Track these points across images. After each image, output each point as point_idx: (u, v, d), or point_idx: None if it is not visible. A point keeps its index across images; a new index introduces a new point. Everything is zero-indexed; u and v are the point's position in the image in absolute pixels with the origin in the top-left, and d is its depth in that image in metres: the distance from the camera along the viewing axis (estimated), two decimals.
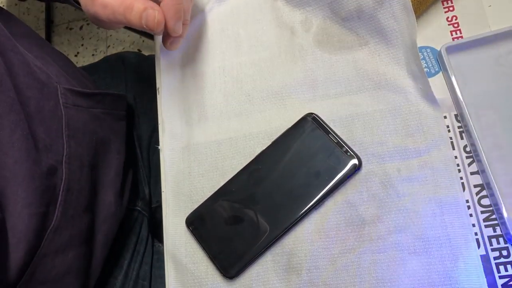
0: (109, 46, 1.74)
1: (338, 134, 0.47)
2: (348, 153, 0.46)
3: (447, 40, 0.49)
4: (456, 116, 0.47)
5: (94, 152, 0.56)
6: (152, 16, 0.43)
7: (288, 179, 0.46)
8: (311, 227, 0.46)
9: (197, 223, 0.48)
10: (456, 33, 0.49)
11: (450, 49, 0.48)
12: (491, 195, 0.43)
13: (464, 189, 0.45)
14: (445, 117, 0.47)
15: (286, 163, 0.47)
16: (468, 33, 0.49)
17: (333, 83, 0.50)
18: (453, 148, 0.46)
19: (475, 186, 0.45)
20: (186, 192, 0.50)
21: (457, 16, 0.50)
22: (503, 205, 0.42)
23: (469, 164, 0.45)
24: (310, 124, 0.47)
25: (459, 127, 0.47)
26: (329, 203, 0.46)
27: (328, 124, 0.47)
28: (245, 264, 0.45)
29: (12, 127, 0.44)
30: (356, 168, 0.45)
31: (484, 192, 0.44)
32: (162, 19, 0.44)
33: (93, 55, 1.75)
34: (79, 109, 0.56)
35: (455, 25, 0.50)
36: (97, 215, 0.56)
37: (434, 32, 0.50)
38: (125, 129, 0.67)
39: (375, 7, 0.48)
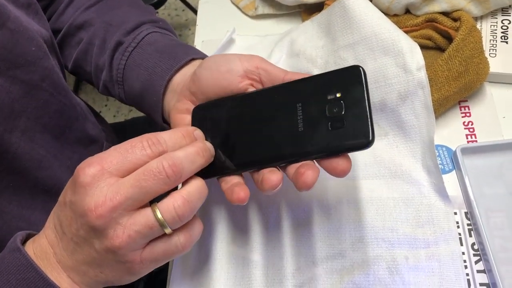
0: (131, 110, 1.82)
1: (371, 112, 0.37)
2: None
3: (462, 141, 0.52)
4: (466, 213, 0.49)
5: None
6: None
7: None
8: None
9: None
10: (471, 137, 0.53)
11: (465, 151, 0.50)
12: None
13: (469, 286, 0.45)
14: (455, 213, 0.49)
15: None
16: (482, 138, 0.52)
17: None
18: (461, 244, 0.47)
19: (481, 284, 0.45)
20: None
21: (473, 121, 0.53)
22: None
23: (476, 262, 0.46)
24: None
25: (468, 225, 0.48)
26: (335, 281, 0.46)
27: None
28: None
29: None
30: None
31: None
32: None
33: (114, 116, 1.82)
34: None
35: (471, 129, 0.53)
36: None
37: (450, 133, 0.53)
38: None
39: (397, 103, 0.52)
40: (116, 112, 1.84)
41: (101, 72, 0.53)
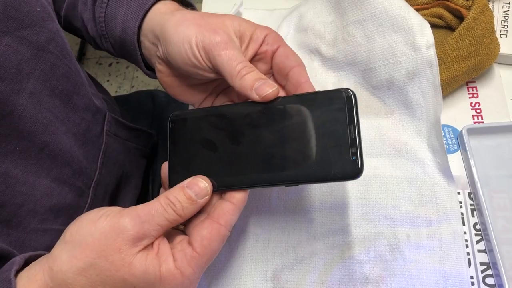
0: (133, 86, 1.80)
1: (361, 147, 0.36)
2: (354, 157, 0.35)
3: (469, 122, 0.52)
4: (469, 194, 0.49)
5: (118, 183, 0.58)
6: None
7: (280, 139, 0.38)
8: (314, 276, 0.46)
9: (179, 123, 0.42)
10: (478, 118, 0.52)
11: (471, 131, 0.50)
12: (497, 275, 0.44)
13: (470, 265, 0.45)
14: (458, 193, 0.49)
15: (289, 123, 0.38)
16: (489, 119, 0.52)
17: None
18: (463, 224, 0.47)
19: (481, 264, 0.45)
20: None
21: (480, 103, 0.53)
22: (507, 286, 0.43)
23: (477, 242, 0.46)
24: (340, 100, 0.37)
25: (471, 205, 0.48)
26: (336, 256, 0.47)
27: (358, 114, 0.36)
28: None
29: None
30: (351, 177, 0.36)
31: (489, 271, 0.45)
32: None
33: (116, 91, 1.81)
34: (117, 139, 0.57)
35: (478, 110, 0.53)
36: None
37: (457, 113, 0.53)
38: (146, 166, 0.69)
39: (405, 81, 0.51)
40: (118, 88, 1.83)
41: (88, 27, 0.53)
